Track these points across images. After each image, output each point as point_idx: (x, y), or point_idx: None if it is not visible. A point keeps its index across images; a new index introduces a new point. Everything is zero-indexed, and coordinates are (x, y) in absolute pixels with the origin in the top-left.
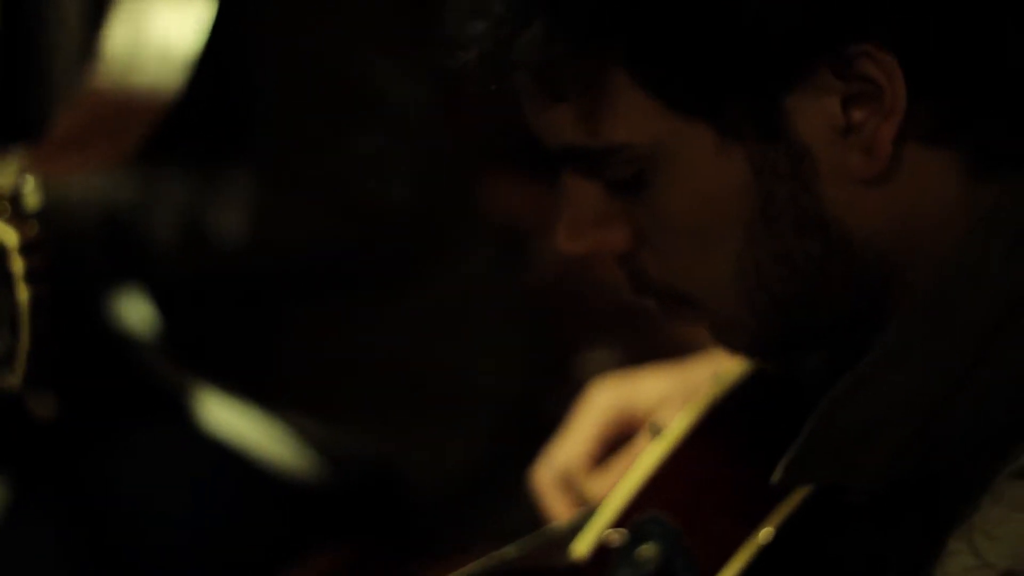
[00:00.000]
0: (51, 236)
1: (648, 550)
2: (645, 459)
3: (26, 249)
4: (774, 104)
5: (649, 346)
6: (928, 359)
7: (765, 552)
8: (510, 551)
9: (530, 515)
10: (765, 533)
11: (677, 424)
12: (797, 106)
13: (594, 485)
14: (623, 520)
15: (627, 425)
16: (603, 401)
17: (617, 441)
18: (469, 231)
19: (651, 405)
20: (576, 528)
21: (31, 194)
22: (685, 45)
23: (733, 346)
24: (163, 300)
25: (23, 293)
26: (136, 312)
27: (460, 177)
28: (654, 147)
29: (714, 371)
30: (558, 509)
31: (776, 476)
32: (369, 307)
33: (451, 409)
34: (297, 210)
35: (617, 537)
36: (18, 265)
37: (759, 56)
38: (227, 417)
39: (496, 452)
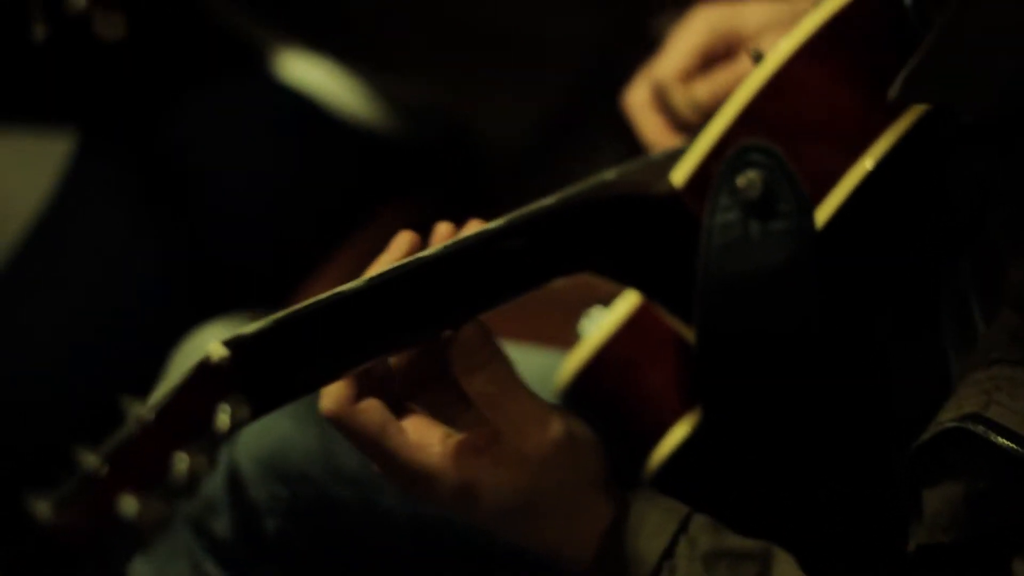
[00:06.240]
0: None
1: (749, 176)
2: (745, 86)
3: None
4: None
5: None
6: None
7: (870, 179)
8: (609, 174)
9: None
10: (870, 159)
11: (779, 49)
12: None
13: (689, 96)
14: (723, 147)
15: (726, 46)
16: (704, 21)
17: (715, 61)
18: None
19: (754, 30)
20: (675, 155)
21: None
22: None
23: None
24: None
25: None
26: None
27: None
28: None
29: None
30: (651, 127)
31: (893, 91)
32: None
33: (524, 66)
34: None
35: (717, 164)
36: None
37: None
38: (303, 68)
39: (570, 110)
